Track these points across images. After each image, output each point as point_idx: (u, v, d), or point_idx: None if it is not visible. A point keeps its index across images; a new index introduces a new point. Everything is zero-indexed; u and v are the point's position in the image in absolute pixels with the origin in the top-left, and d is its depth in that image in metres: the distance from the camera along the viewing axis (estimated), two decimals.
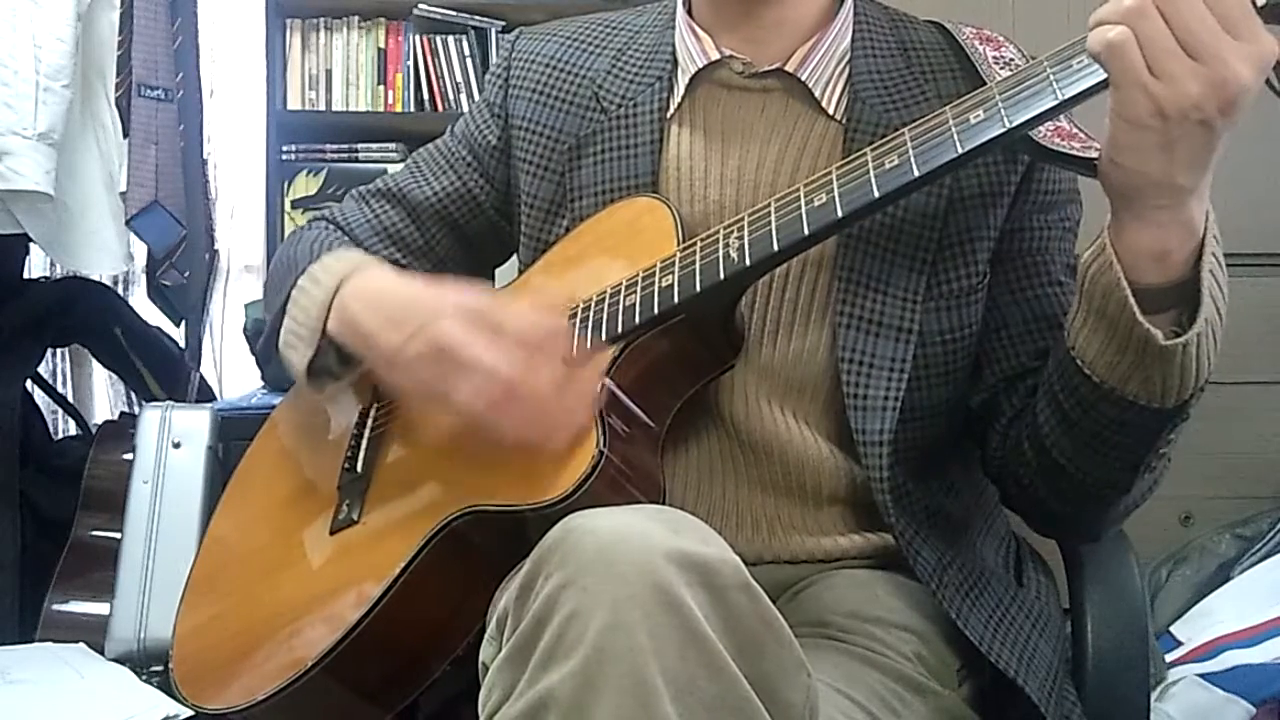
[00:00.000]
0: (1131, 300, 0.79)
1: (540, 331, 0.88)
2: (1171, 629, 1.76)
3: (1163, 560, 1.88)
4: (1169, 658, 1.68)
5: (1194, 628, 1.73)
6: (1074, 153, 0.88)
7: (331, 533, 1.01)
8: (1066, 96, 0.80)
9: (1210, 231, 0.80)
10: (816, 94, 1.02)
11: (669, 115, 1.05)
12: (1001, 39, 1.02)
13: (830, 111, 1.02)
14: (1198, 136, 0.74)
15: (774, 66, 1.02)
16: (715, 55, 1.04)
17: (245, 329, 2.10)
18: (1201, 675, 1.59)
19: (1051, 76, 0.80)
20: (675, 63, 1.06)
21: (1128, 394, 0.83)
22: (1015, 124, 0.81)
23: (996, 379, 1.01)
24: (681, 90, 1.05)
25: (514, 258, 1.17)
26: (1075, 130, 0.89)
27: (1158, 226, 0.78)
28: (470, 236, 1.17)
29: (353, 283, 1.00)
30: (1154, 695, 1.54)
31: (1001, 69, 0.98)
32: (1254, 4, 0.73)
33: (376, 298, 0.97)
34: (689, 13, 1.07)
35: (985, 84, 0.95)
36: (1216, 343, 0.82)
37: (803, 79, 1.02)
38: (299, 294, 1.03)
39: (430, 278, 0.97)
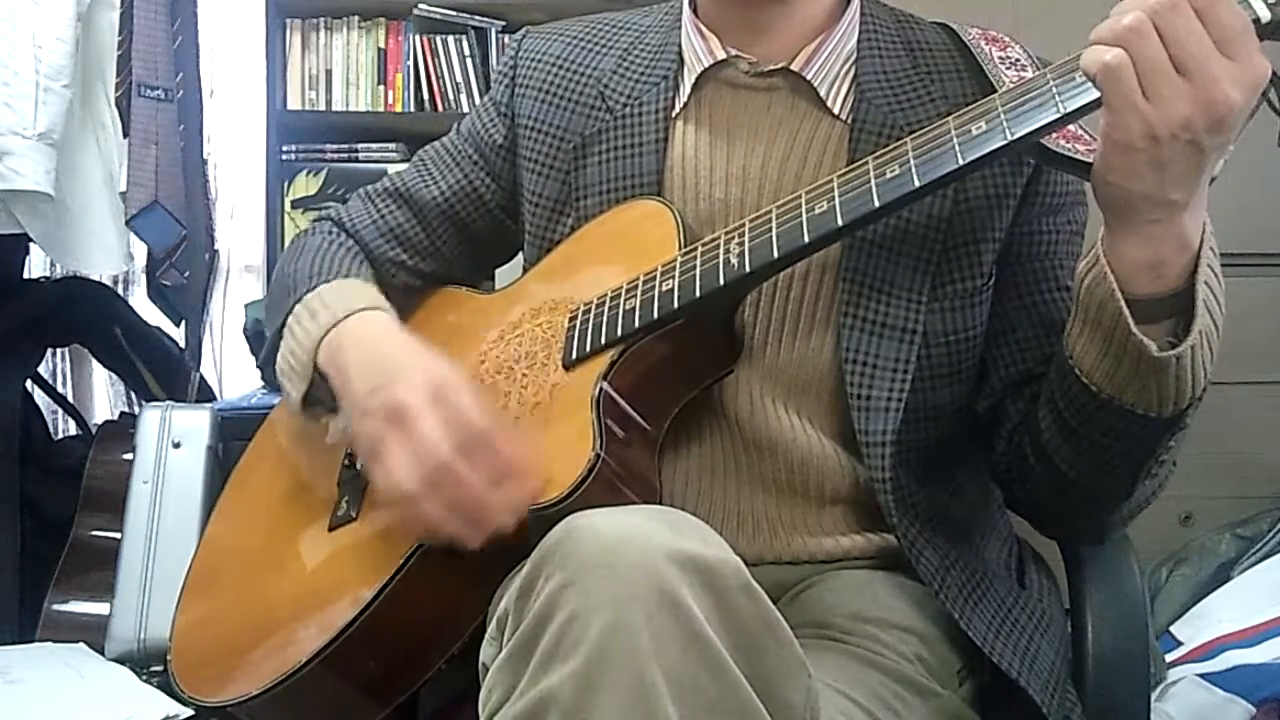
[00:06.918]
0: (1126, 312, 0.79)
1: (493, 425, 0.88)
2: (1171, 629, 1.76)
3: (1163, 560, 1.88)
4: (1169, 658, 1.68)
5: (1194, 628, 1.73)
6: (1079, 157, 0.88)
7: (330, 529, 1.01)
8: (1069, 110, 0.79)
9: (1207, 243, 0.80)
10: (822, 93, 1.02)
11: (674, 114, 1.05)
12: (1007, 39, 1.02)
13: (836, 111, 1.02)
14: (1188, 156, 0.75)
15: (780, 66, 1.02)
16: (721, 55, 1.04)
17: (245, 329, 2.10)
18: (1201, 675, 1.59)
19: (1054, 89, 0.80)
20: (681, 62, 1.06)
21: (1125, 403, 0.83)
22: (1017, 136, 0.81)
23: (1003, 384, 1.01)
24: (687, 89, 1.05)
25: (519, 256, 1.17)
26: (1081, 132, 0.89)
27: (1151, 239, 0.78)
28: (476, 235, 1.17)
29: (347, 324, 1.00)
30: (1154, 695, 1.54)
31: (1008, 69, 0.98)
32: (1255, 22, 0.74)
33: (364, 344, 0.98)
34: (695, 13, 1.07)
35: (992, 83, 0.95)
36: (1213, 353, 0.82)
37: (808, 78, 1.02)
38: (295, 323, 1.03)
39: (422, 346, 0.96)
